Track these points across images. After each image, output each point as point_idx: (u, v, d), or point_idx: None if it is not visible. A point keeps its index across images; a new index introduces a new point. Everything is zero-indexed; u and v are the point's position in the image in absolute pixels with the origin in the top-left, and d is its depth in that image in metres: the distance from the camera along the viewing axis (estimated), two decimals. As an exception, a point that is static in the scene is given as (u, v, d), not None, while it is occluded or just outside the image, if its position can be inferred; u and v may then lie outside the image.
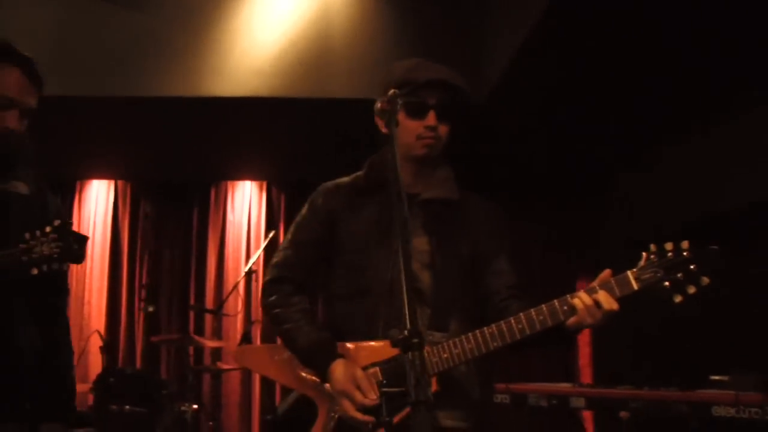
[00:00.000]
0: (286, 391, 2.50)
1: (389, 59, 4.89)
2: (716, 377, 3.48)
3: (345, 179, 2.53)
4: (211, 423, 5.60)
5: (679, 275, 2.02)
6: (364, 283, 2.34)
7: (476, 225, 2.42)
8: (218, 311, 6.19)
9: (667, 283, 2.03)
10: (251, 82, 4.95)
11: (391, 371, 2.22)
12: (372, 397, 2.15)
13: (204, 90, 4.98)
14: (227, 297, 6.36)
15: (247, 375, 6.77)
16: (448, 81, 2.33)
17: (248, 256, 7.14)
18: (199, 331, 6.89)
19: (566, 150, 5.96)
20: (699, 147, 5.04)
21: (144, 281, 6.99)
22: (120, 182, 7.26)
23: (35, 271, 2.35)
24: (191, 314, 7.01)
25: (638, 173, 5.92)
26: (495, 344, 2.13)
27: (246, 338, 5.54)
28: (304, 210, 2.52)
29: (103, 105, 5.25)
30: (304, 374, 2.36)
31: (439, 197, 2.40)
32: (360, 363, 2.25)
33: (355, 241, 2.39)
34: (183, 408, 5.08)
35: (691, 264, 2.02)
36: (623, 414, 3.31)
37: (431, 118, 2.31)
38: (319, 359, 2.29)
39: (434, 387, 2.16)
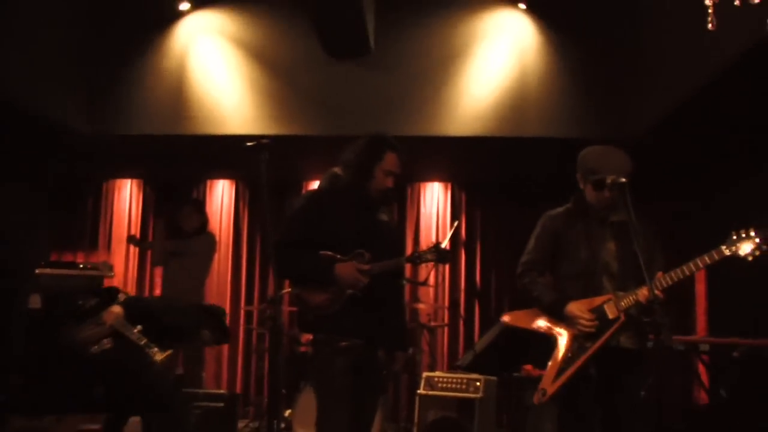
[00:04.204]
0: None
1: (567, 106, 6.89)
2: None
3: (565, 207, 4.10)
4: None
5: (751, 247, 3.55)
6: (579, 269, 3.95)
7: (641, 235, 3.67)
8: (425, 283, 8.34)
9: (747, 251, 3.55)
10: (473, 124, 7.05)
11: (596, 314, 3.86)
12: (594, 319, 3.85)
13: (438, 130, 7.11)
14: (429, 273, 8.50)
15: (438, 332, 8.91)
16: (623, 180, 3.74)
17: (437, 241, 9.21)
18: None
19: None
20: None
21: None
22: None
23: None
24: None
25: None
26: (667, 282, 3.70)
27: (455, 303, 7.70)
28: (538, 229, 4.11)
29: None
30: (553, 320, 4.04)
31: (621, 220, 3.87)
32: None
33: (572, 246, 3.99)
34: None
35: (757, 238, 3.55)
36: (736, 354, 5.07)
37: (606, 192, 3.85)
38: (559, 309, 3.95)
39: (623, 318, 3.80)
